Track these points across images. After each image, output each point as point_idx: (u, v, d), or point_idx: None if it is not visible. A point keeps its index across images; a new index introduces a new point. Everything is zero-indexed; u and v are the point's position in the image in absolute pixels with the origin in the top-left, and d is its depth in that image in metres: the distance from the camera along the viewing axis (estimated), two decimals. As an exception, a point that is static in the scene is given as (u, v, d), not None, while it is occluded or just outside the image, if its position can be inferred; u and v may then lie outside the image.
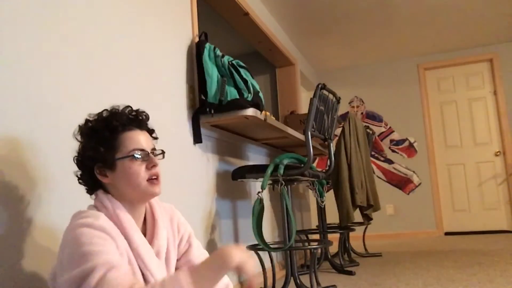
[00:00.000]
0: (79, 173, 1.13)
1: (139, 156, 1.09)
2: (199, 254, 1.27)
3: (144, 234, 1.14)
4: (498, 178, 5.16)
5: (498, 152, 5.17)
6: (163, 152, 1.17)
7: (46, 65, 1.38)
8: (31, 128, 1.29)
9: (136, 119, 1.14)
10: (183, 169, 2.13)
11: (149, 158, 1.11)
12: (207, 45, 2.26)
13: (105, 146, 1.08)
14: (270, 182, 2.46)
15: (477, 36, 4.93)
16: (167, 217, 1.22)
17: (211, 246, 2.30)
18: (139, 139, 1.11)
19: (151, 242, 1.13)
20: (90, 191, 1.13)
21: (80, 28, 1.56)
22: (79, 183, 1.14)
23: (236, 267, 0.96)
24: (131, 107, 1.15)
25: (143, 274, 1.07)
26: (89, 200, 1.15)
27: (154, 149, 1.15)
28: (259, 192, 2.17)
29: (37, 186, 1.28)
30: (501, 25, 4.65)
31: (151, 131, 1.20)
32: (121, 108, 1.14)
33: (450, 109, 5.42)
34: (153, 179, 1.10)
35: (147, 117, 1.18)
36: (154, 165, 1.11)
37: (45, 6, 1.41)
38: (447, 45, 5.18)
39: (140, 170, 1.09)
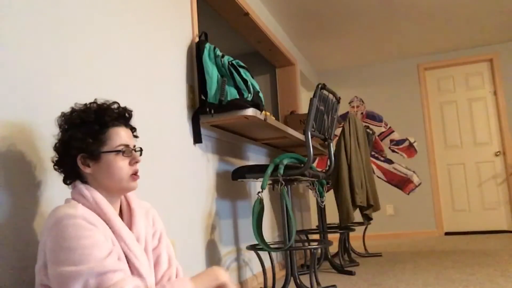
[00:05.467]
0: (55, 159, 1.16)
1: (125, 152, 1.16)
2: (167, 254, 1.28)
3: None
4: (498, 178, 5.16)
5: (498, 152, 5.17)
6: (141, 150, 1.23)
7: (47, 66, 1.38)
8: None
9: (124, 116, 1.20)
10: (183, 169, 2.13)
11: (132, 154, 1.18)
12: (207, 45, 2.26)
13: (94, 138, 1.13)
14: (270, 182, 2.46)
15: (477, 36, 4.93)
16: (142, 211, 1.27)
17: (211, 246, 2.30)
18: (125, 135, 1.18)
19: (130, 229, 1.17)
20: (67, 179, 1.16)
21: (80, 28, 1.56)
22: (55, 169, 1.16)
23: (224, 282, 1.18)
24: (118, 104, 1.21)
25: (127, 257, 1.11)
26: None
27: (134, 146, 1.21)
28: (259, 192, 2.16)
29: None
30: (501, 25, 4.65)
31: (133, 129, 1.26)
32: (109, 103, 1.19)
33: (450, 109, 5.42)
34: (134, 175, 1.18)
35: (132, 115, 1.25)
36: (137, 162, 1.19)
37: (47, 6, 1.41)
38: (447, 45, 5.18)
39: (124, 165, 1.15)
